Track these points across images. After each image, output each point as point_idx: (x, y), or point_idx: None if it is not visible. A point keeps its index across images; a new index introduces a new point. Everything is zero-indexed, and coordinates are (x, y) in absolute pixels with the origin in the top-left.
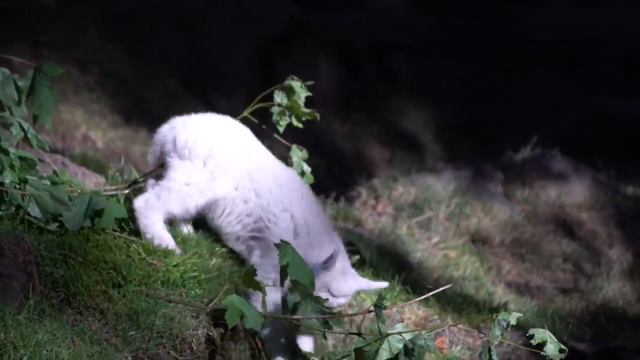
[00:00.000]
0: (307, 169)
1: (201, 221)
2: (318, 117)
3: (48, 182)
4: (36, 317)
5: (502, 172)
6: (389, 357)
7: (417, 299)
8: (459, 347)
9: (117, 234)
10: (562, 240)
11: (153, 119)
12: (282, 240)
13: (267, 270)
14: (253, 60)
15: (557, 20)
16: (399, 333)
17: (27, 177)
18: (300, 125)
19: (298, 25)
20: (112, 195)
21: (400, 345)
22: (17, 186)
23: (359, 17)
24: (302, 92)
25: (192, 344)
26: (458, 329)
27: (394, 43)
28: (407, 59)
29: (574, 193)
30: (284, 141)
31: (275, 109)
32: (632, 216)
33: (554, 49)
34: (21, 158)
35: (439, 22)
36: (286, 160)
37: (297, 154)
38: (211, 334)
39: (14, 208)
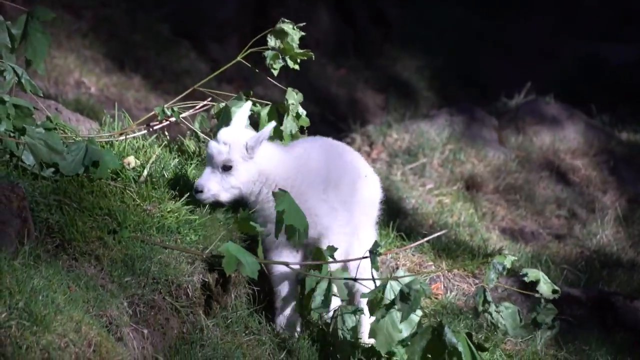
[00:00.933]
0: (302, 111)
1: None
2: (313, 56)
3: (42, 130)
4: (31, 263)
5: (496, 118)
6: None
7: (411, 245)
8: (454, 293)
9: (111, 182)
10: (556, 186)
11: (146, 65)
12: (280, 189)
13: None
14: (246, 4)
15: None
16: (395, 278)
17: (24, 125)
18: (296, 67)
19: None
20: (106, 142)
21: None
22: (12, 134)
23: None
24: (295, 34)
25: (188, 290)
26: (453, 275)
27: None
28: (400, 4)
29: (568, 139)
30: (279, 85)
31: (268, 53)
32: (626, 162)
33: None
34: (16, 106)
35: None
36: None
37: (293, 96)
38: (207, 280)
39: (7, 156)
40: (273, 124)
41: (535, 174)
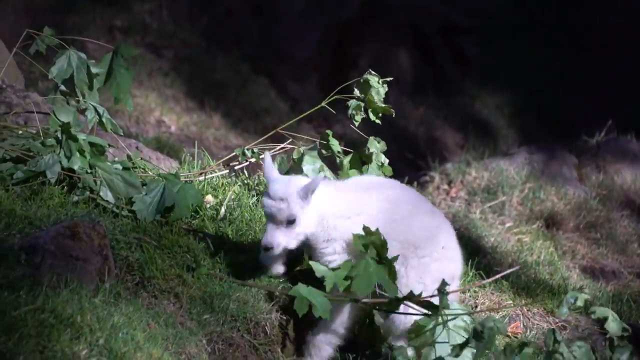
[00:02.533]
0: (385, 160)
1: None
2: (394, 113)
3: (120, 167)
4: (112, 300)
5: (576, 156)
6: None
7: (486, 281)
8: (533, 332)
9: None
10: (637, 224)
11: (226, 104)
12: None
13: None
14: (325, 44)
15: (631, 3)
16: (468, 313)
17: (97, 163)
18: (378, 121)
19: (370, 9)
20: (186, 182)
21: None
22: (89, 171)
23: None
24: (380, 88)
25: (266, 327)
26: (532, 313)
27: (466, 26)
28: (479, 43)
29: None
30: (361, 133)
31: (352, 103)
32: None
33: (627, 32)
34: (91, 144)
35: (511, 4)
36: (361, 147)
37: (375, 145)
38: (285, 317)
39: (87, 193)
40: (321, 177)
41: (616, 212)
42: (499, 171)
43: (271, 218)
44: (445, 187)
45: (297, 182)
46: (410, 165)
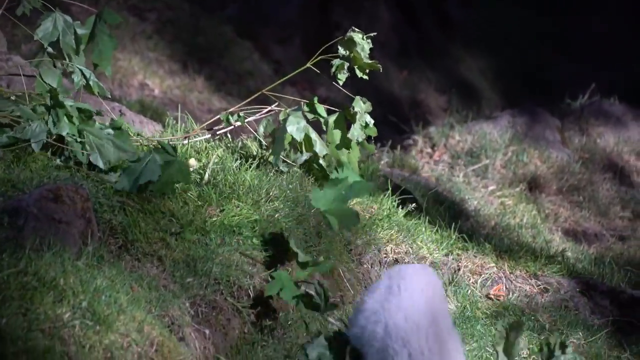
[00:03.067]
0: (370, 120)
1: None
2: (380, 69)
3: (110, 130)
4: (95, 263)
5: (560, 119)
6: None
7: None
8: (515, 295)
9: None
10: (620, 187)
11: (210, 67)
12: None
13: None
14: (308, 7)
15: None
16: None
17: (87, 128)
18: (365, 77)
19: None
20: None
21: None
22: (78, 140)
23: None
24: (364, 44)
25: (250, 291)
26: (515, 276)
27: None
28: (463, 4)
29: (633, 140)
30: (344, 90)
31: (335, 62)
32: None
33: None
34: (79, 110)
35: None
36: (341, 106)
37: (360, 105)
38: (269, 281)
39: (72, 162)
40: None
41: (599, 175)
42: (482, 134)
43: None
44: (429, 150)
45: None
46: (394, 128)
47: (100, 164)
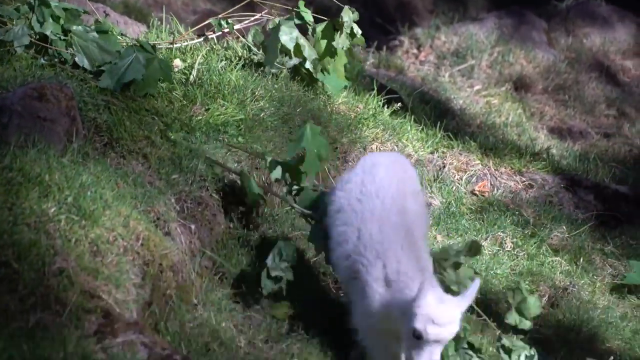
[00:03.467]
0: (357, 30)
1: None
2: None
3: (95, 34)
4: (80, 160)
5: (546, 20)
6: None
7: None
8: (500, 191)
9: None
10: (605, 86)
11: None
12: None
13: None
14: None
15: None
16: None
17: (72, 27)
18: None
19: None
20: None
21: None
22: (62, 38)
23: None
24: None
25: (235, 187)
26: (500, 173)
27: None
28: None
29: (619, 40)
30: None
31: None
32: None
33: None
34: (65, 9)
35: None
36: (331, 14)
37: (349, 15)
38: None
39: (57, 60)
40: None
41: (585, 75)
42: (468, 35)
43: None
44: (415, 51)
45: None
46: (380, 30)
47: (86, 65)
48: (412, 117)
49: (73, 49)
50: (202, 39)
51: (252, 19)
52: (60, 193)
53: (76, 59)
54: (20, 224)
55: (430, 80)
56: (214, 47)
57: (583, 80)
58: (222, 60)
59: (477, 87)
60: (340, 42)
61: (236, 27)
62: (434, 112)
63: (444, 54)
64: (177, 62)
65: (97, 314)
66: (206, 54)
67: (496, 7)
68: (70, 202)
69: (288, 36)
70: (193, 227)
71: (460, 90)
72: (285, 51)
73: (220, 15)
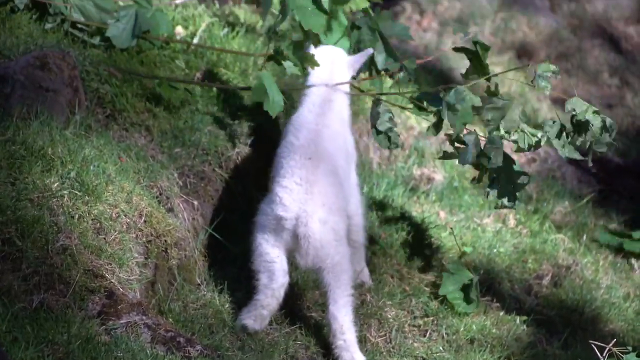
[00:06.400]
0: None
1: None
2: None
3: None
4: (83, 133)
5: None
6: None
7: None
8: None
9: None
10: (608, 54)
11: None
12: None
13: None
14: None
15: None
16: None
17: None
18: None
19: None
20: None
21: None
22: None
23: None
24: None
25: (237, 161)
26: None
27: None
28: None
29: (622, 6)
30: None
31: None
32: None
33: None
34: None
35: None
36: None
37: None
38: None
39: (59, 18)
40: None
41: (588, 42)
42: (470, 1)
43: None
44: (417, 17)
45: None
46: None
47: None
48: (416, 86)
49: (68, 8)
50: None
51: None
52: (63, 167)
53: (74, 16)
54: (24, 200)
55: (433, 48)
56: (216, 13)
57: (586, 48)
58: (224, 27)
59: None
60: None
61: None
62: (436, 81)
63: (447, 21)
64: (179, 30)
65: (100, 294)
66: (208, 20)
67: None
68: (73, 177)
69: None
70: (196, 203)
71: (463, 59)
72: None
73: None
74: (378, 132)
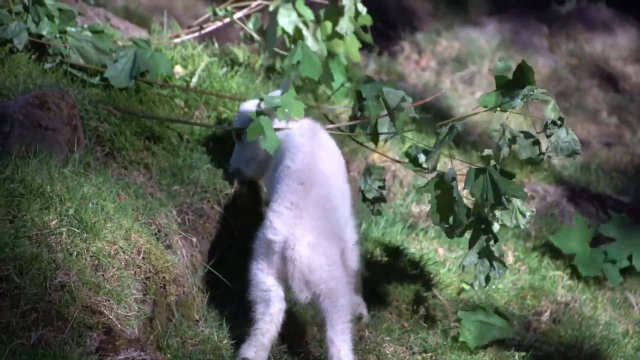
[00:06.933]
0: (362, 9)
1: None
2: None
3: (89, 33)
4: (81, 171)
5: (547, 25)
6: None
7: None
8: None
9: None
10: (606, 94)
11: None
12: None
13: None
14: None
15: None
16: None
17: (67, 28)
18: None
19: None
20: (155, 50)
21: None
22: (57, 36)
23: None
24: None
25: (237, 200)
26: None
27: None
28: None
29: (620, 46)
30: None
31: None
32: None
33: None
34: (60, 10)
35: None
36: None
37: None
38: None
39: (59, 59)
40: None
41: (586, 82)
42: (469, 41)
43: None
44: (416, 56)
45: None
46: (381, 34)
47: (83, 64)
48: (414, 125)
49: (69, 51)
50: (196, 33)
51: (253, 5)
52: (62, 205)
53: (72, 58)
54: (22, 237)
55: (432, 87)
56: (215, 52)
57: (585, 88)
58: (223, 67)
59: (478, 94)
60: (344, 26)
61: (236, 15)
62: (436, 120)
63: (445, 60)
64: (178, 69)
65: (98, 330)
66: (207, 59)
67: (497, 10)
68: (72, 214)
69: (287, 19)
70: (194, 240)
71: (461, 98)
72: (286, 35)
73: (222, 6)
74: (364, 199)
